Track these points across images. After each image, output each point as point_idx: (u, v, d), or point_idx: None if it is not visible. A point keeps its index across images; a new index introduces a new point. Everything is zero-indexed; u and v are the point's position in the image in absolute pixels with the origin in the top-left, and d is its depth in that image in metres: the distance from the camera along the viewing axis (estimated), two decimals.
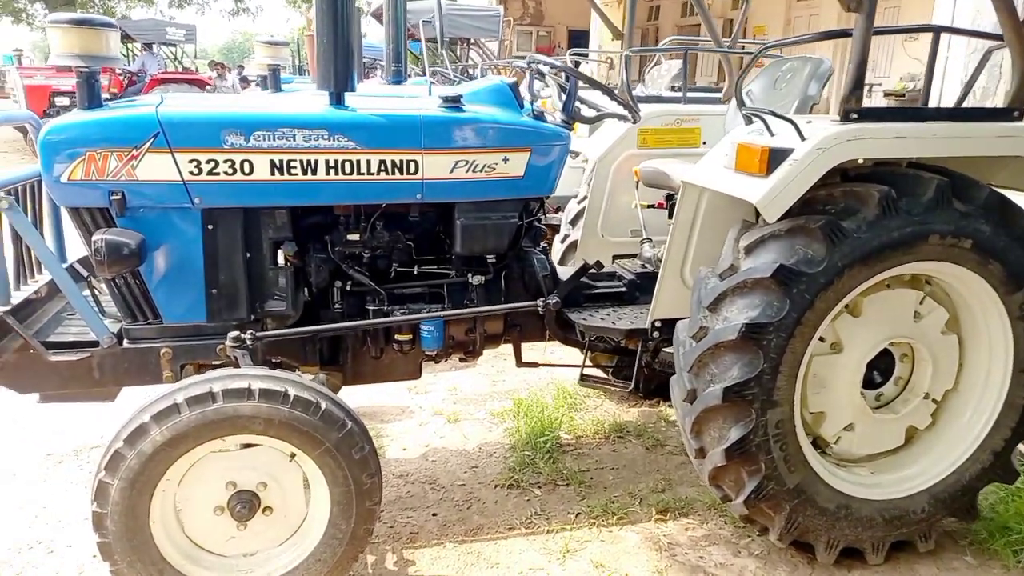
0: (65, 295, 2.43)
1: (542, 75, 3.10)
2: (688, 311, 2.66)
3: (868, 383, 2.70)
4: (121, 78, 16.75)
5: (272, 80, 4.30)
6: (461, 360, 3.09)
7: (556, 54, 17.56)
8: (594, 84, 2.84)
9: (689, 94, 4.15)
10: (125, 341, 2.54)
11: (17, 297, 2.49)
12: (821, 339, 2.54)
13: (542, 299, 2.80)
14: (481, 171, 2.66)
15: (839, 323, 2.57)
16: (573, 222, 3.93)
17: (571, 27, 20.38)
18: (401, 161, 2.56)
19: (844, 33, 2.41)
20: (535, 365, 3.22)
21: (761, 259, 2.40)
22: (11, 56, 19.04)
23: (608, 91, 2.86)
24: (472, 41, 12.17)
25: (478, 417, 3.90)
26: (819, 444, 2.72)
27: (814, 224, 2.36)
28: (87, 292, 2.67)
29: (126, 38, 18.50)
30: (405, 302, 2.83)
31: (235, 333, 2.45)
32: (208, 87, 16.78)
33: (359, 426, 2.30)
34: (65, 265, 2.70)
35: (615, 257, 3.73)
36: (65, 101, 13.67)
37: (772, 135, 2.47)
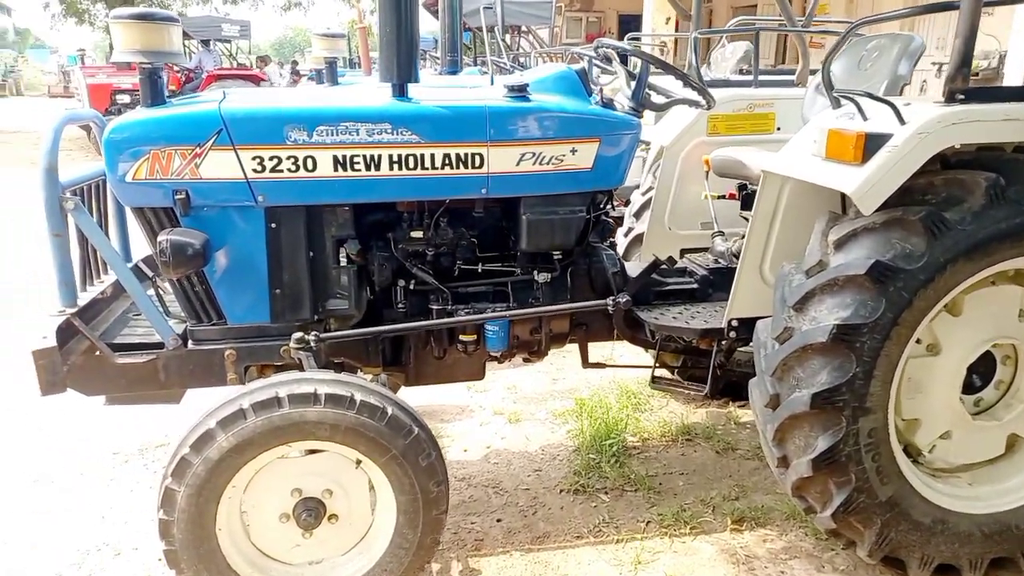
0: (131, 296, 2.40)
1: (609, 61, 2.96)
2: (768, 309, 2.49)
3: (967, 387, 2.50)
4: (179, 75, 17.14)
5: (329, 73, 4.25)
6: (525, 360, 2.98)
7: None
8: (668, 68, 2.69)
9: (760, 77, 3.94)
10: (190, 342, 2.50)
11: (84, 298, 2.47)
12: (917, 340, 2.35)
13: (611, 298, 2.67)
14: (548, 163, 2.54)
15: (937, 323, 2.37)
16: (638, 214, 3.78)
17: (622, 12, 19.99)
18: (466, 155, 2.46)
19: (950, 6, 2.20)
20: (602, 366, 3.10)
21: (854, 254, 2.22)
22: (75, 56, 19.66)
23: (682, 75, 2.70)
24: (523, 29, 12.01)
25: (539, 417, 3.80)
26: (911, 452, 2.53)
27: (913, 216, 2.17)
28: (152, 292, 2.64)
29: (183, 35, 18.91)
30: (469, 301, 2.73)
31: (299, 334, 2.39)
32: (263, 82, 17.02)
33: (425, 432, 2.21)
34: (130, 265, 2.68)
35: (684, 251, 3.57)
36: (126, 99, 14.05)
37: (866, 119, 2.28)
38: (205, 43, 17.56)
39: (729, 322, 2.77)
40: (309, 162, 2.36)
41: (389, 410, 2.14)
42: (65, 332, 2.33)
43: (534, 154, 2.52)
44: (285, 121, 2.33)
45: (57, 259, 2.30)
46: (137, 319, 2.60)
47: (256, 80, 16.70)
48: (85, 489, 3.13)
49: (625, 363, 3.39)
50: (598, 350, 3.22)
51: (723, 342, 2.84)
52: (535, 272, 2.73)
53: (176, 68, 17.55)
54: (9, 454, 3.37)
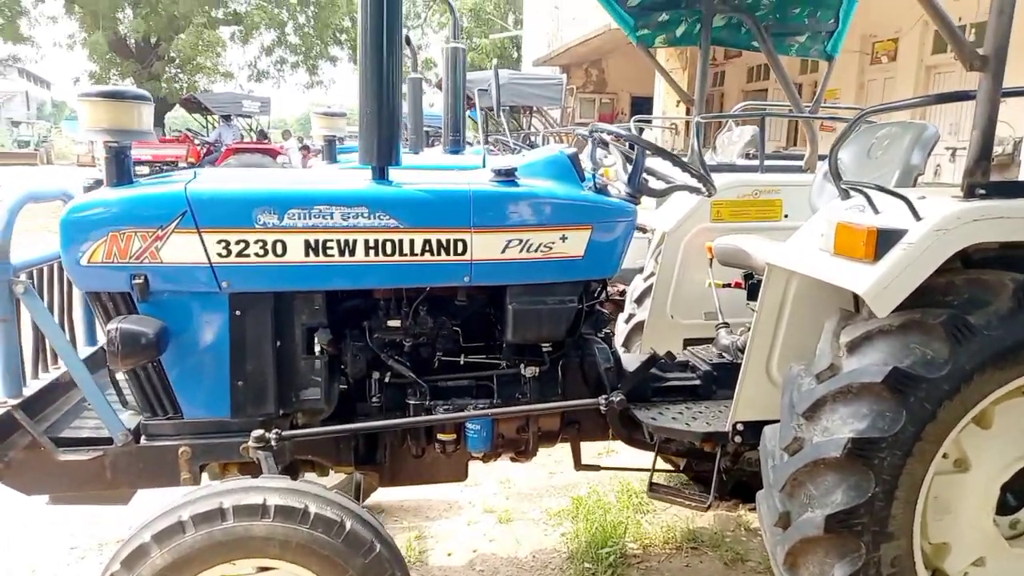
0: (80, 388, 2.22)
1: (605, 144, 2.84)
2: (776, 412, 2.27)
3: (1001, 508, 2.23)
4: (199, 148, 17.52)
5: (327, 151, 4.19)
6: (512, 460, 2.75)
7: (619, 120, 17.53)
8: (664, 154, 2.55)
9: (766, 162, 3.81)
10: (143, 438, 2.30)
11: (38, 385, 2.30)
12: (943, 455, 2.10)
13: (604, 396, 2.45)
14: (536, 251, 2.38)
15: (965, 436, 2.12)
16: (639, 300, 3.59)
17: (634, 94, 20.40)
18: (448, 240, 2.31)
19: (966, 96, 2.05)
20: (595, 468, 2.85)
21: (868, 359, 2.01)
22: None
23: (680, 162, 2.56)
24: (535, 109, 12.18)
25: (532, 517, 3.52)
26: None
27: (934, 319, 1.97)
28: (112, 379, 2.46)
29: (204, 110, 19.47)
30: (450, 396, 2.52)
31: (259, 432, 2.19)
32: (280, 156, 17.35)
33: (389, 549, 1.98)
34: (94, 349, 2.51)
35: (686, 342, 3.37)
36: (146, 171, 14.29)
37: (877, 212, 2.11)
38: (226, 118, 18.02)
39: (734, 425, 2.53)
40: (279, 246, 2.21)
41: (347, 524, 1.91)
42: (5, 425, 2.14)
43: (521, 241, 2.36)
44: (254, 204, 2.19)
45: (2, 346, 2.14)
46: (91, 411, 2.41)
47: (274, 154, 17.03)
48: None
49: (622, 464, 3.12)
50: (593, 448, 2.98)
51: (728, 446, 2.60)
52: (522, 366, 2.54)
53: (197, 141, 18.01)
54: None
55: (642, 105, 19.79)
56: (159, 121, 24.28)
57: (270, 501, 1.87)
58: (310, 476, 2.64)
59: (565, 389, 2.63)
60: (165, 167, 15.50)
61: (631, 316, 3.57)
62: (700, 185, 2.66)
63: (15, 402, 2.15)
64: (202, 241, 2.17)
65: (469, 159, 3.87)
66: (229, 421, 2.33)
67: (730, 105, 16.60)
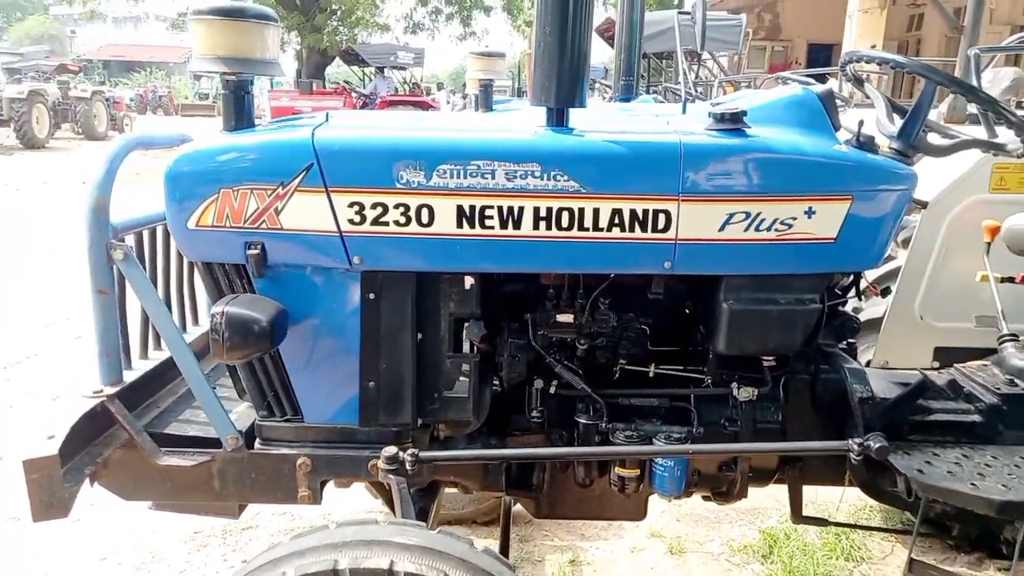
0: (185, 378, 1.83)
1: (860, 83, 2.07)
2: None
3: None
4: (355, 100, 17.75)
5: (483, 97, 3.63)
6: (705, 498, 2.12)
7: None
8: (980, 98, 1.75)
9: None
10: (257, 442, 1.89)
11: (140, 370, 1.94)
12: None
13: (856, 439, 1.74)
14: (770, 230, 1.70)
15: None
16: (865, 293, 2.78)
17: (812, 41, 18.38)
18: (646, 212, 1.68)
19: None
20: (822, 523, 2.16)
21: None
22: (278, 80, 21.06)
23: (1000, 107, 1.75)
24: (703, 56, 11.05)
25: (710, 550, 2.89)
26: None
27: None
28: (228, 365, 2.06)
29: (362, 62, 19.71)
30: (632, 418, 1.92)
31: (391, 450, 1.70)
32: (431, 108, 17.24)
33: None
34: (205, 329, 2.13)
35: (938, 352, 2.55)
36: None
37: None
38: (380, 70, 18.10)
39: None
40: (424, 213, 1.68)
41: None
42: (100, 418, 1.79)
43: (748, 216, 1.69)
44: (396, 156, 1.67)
45: (99, 323, 1.77)
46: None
47: (425, 106, 16.92)
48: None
49: (861, 522, 2.39)
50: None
51: None
52: (734, 385, 1.88)
53: (353, 94, 18.26)
54: (75, 529, 2.93)
55: (820, 53, 17.80)
56: (319, 74, 25.02)
57: (399, 566, 1.37)
58: (450, 493, 2.17)
59: (788, 418, 1.95)
60: None
61: (855, 311, 2.78)
62: (1006, 141, 1.84)
63: (113, 391, 1.78)
64: (330, 203, 1.68)
65: (647, 108, 3.18)
66: (357, 430, 1.87)
67: (929, 53, 14.46)
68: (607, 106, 3.74)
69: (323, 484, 1.90)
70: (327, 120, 1.84)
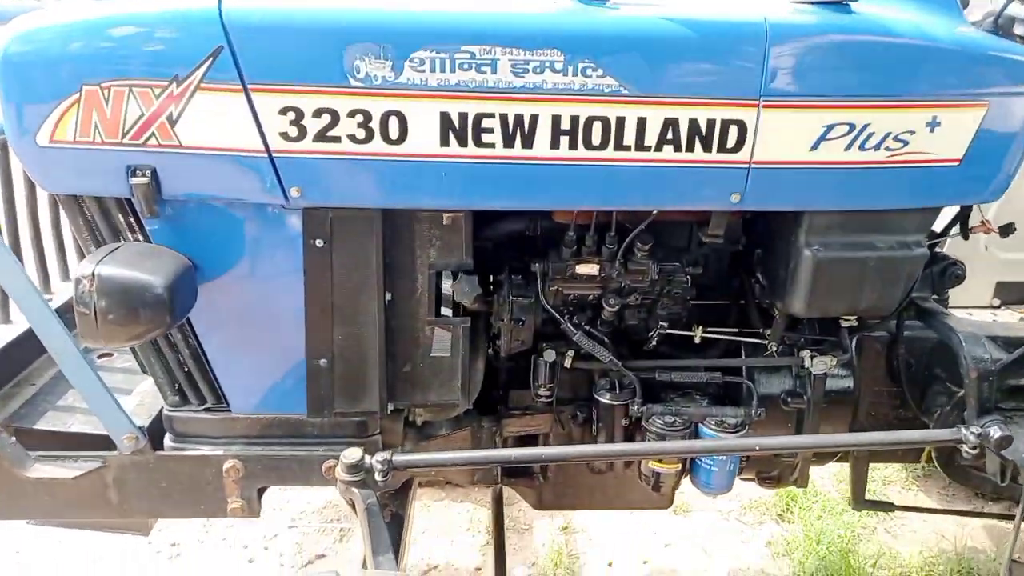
0: (54, 357, 1.29)
1: None
2: None
3: None
4: None
5: None
6: (760, 483, 1.72)
7: None
8: None
9: None
10: (168, 439, 1.39)
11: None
12: None
13: (972, 427, 1.33)
14: (878, 148, 1.23)
15: None
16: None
17: None
18: (711, 124, 1.19)
19: None
20: (889, 508, 1.79)
21: None
22: None
23: None
24: None
25: (719, 507, 2.54)
26: None
27: None
28: None
29: None
30: (672, 396, 1.48)
31: (354, 454, 1.23)
32: None
33: None
34: None
35: (1000, 288, 2.16)
36: None
37: None
38: None
39: None
40: (393, 124, 1.15)
41: None
42: None
43: (852, 128, 1.21)
44: (350, 37, 1.12)
45: None
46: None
47: None
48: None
49: (934, 504, 2.03)
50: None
51: None
52: (805, 354, 1.44)
53: None
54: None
55: None
56: None
57: None
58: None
59: (861, 392, 1.53)
60: None
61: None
62: None
63: None
64: (251, 108, 1.14)
65: None
66: (304, 421, 1.38)
67: None
68: None
69: (261, 492, 1.42)
70: None
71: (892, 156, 1.24)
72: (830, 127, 1.21)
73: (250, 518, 1.42)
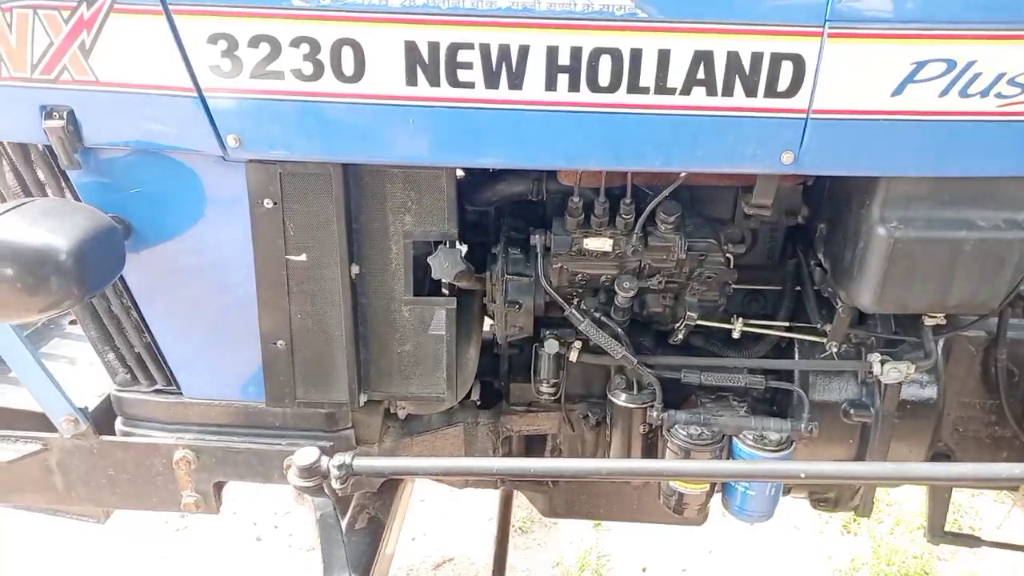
0: None
1: None
2: None
3: None
4: None
5: None
6: (813, 504, 1.45)
7: None
8: None
9: None
10: (118, 422, 1.24)
11: None
12: None
13: None
14: (986, 93, 0.93)
15: None
16: None
17: None
18: (758, 59, 0.91)
19: None
20: (975, 543, 1.48)
21: None
22: None
23: None
24: None
25: (783, 531, 2.26)
26: None
27: None
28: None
29: None
30: (701, 402, 1.21)
31: (309, 455, 1.03)
32: None
33: None
34: None
35: None
36: None
37: None
38: None
39: None
40: (348, 56, 0.92)
41: None
42: None
43: (950, 66, 0.90)
44: None
45: None
46: None
47: None
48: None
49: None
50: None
51: None
52: (874, 357, 1.14)
53: None
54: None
55: None
56: None
57: None
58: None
59: (947, 405, 1.23)
60: None
61: None
62: None
63: None
64: (175, 34, 0.92)
65: None
66: (265, 410, 1.20)
67: None
68: None
69: (219, 487, 1.25)
70: None
71: (1004, 106, 0.93)
72: (920, 65, 0.90)
73: (208, 514, 1.25)
